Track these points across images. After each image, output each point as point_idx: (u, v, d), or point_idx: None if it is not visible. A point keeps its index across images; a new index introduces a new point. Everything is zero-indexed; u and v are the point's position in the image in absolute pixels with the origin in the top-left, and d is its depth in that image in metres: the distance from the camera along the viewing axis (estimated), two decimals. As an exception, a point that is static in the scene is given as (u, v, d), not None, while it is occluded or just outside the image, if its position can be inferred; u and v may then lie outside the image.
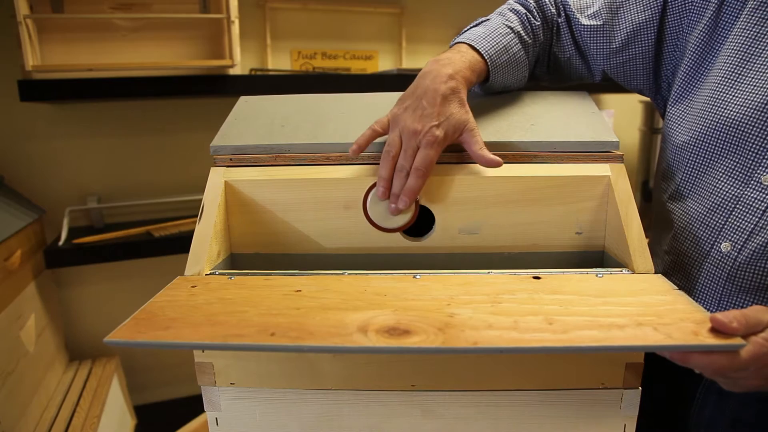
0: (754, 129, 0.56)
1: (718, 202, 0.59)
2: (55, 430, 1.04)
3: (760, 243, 0.55)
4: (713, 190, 0.60)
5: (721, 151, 0.59)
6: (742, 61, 0.59)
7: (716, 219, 0.59)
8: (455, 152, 0.62)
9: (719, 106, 0.59)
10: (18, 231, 1.07)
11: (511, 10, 0.71)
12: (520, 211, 0.61)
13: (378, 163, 0.60)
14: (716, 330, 0.41)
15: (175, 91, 1.14)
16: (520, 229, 0.62)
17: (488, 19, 0.70)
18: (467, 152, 0.60)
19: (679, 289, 0.48)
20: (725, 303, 0.58)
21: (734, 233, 0.57)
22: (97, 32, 1.12)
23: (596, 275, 0.53)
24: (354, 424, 0.52)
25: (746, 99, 0.57)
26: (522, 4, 0.71)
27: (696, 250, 0.61)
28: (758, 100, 0.56)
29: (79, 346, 1.37)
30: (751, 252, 0.56)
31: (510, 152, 0.62)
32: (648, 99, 0.82)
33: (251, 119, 0.69)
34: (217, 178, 0.62)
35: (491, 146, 0.60)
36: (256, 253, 0.64)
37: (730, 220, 0.58)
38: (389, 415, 0.52)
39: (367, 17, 1.48)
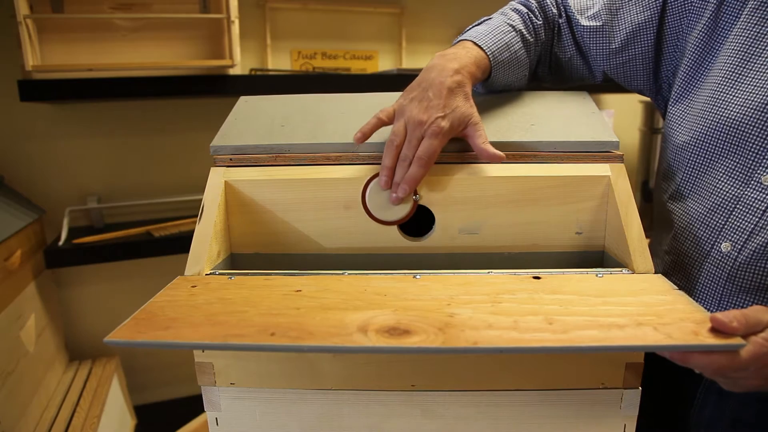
0: (755, 129, 0.56)
1: (719, 202, 0.59)
2: (55, 430, 1.04)
3: (761, 243, 0.55)
4: (713, 190, 0.60)
5: (721, 151, 0.59)
6: (742, 61, 0.59)
7: (716, 219, 0.59)
8: (456, 152, 0.62)
9: (719, 106, 0.59)
10: (18, 231, 1.07)
11: (513, 10, 0.71)
12: (520, 211, 0.61)
13: (378, 163, 0.60)
14: (716, 330, 0.41)
15: (175, 91, 1.14)
16: (520, 229, 0.62)
17: (491, 18, 0.71)
18: (470, 147, 0.60)
19: (679, 289, 0.48)
20: (725, 303, 0.58)
21: (734, 233, 0.57)
22: (97, 32, 1.11)
23: (596, 275, 0.53)
24: (354, 424, 0.52)
25: (746, 99, 0.57)
26: (524, 4, 0.72)
27: (696, 250, 0.61)
28: (758, 100, 0.56)
29: (79, 346, 1.37)
30: (752, 252, 0.56)
31: (510, 152, 0.62)
32: (648, 99, 0.82)
33: (251, 119, 0.69)
34: (217, 178, 0.62)
35: (492, 146, 0.60)
36: (256, 253, 0.64)
37: (730, 220, 0.58)
38: (389, 415, 0.52)
39: (367, 17, 1.48)
